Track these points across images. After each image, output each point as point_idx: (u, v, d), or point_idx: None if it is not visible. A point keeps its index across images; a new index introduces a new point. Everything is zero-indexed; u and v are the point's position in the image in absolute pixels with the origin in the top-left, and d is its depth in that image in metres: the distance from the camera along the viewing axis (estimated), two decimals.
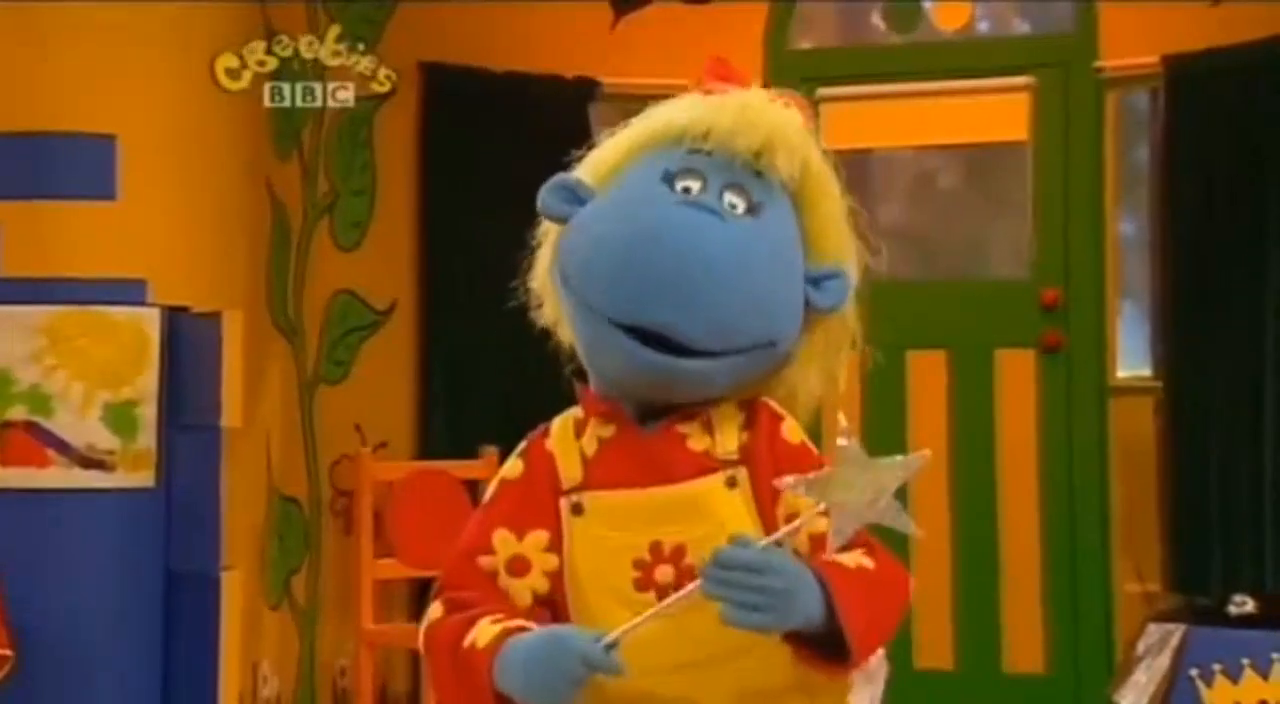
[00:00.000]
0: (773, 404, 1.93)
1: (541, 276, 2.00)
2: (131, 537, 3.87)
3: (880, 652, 1.96)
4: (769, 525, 1.82)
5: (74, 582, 3.80)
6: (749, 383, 1.91)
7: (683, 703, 1.80)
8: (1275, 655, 3.90)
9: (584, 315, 1.89)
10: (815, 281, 1.92)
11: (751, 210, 1.87)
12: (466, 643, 1.79)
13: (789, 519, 1.80)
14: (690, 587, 1.72)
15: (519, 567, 1.87)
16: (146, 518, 3.89)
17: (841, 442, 1.70)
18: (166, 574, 3.91)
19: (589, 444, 1.91)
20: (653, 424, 1.89)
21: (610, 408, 1.91)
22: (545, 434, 1.95)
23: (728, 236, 1.83)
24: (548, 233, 1.99)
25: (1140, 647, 4.17)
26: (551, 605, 1.87)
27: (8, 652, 3.64)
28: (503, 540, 1.88)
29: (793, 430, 1.91)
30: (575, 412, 1.95)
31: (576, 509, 1.88)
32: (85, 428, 3.84)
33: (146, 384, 3.89)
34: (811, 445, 1.92)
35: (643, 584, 1.82)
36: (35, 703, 3.72)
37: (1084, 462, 5.05)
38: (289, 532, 4.70)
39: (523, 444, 1.97)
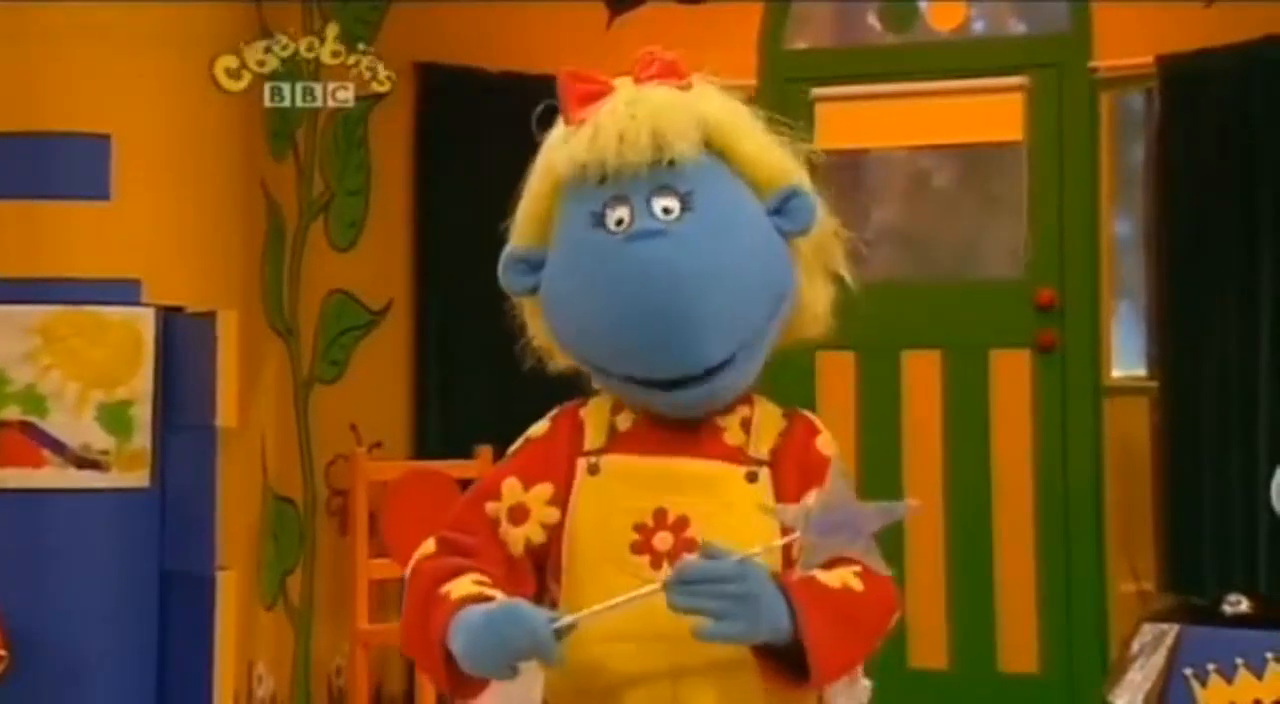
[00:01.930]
0: (813, 417, 1.96)
1: (540, 336, 2.02)
2: (126, 537, 3.87)
3: (861, 676, 1.95)
4: (784, 549, 1.82)
5: (69, 582, 3.80)
6: (777, 338, 1.94)
7: (645, 674, 1.81)
8: (1270, 655, 3.90)
9: (602, 376, 1.94)
10: (778, 210, 1.93)
11: (685, 203, 1.87)
12: (443, 590, 1.81)
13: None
14: (651, 588, 1.72)
15: (519, 514, 1.90)
16: (141, 518, 3.89)
17: (832, 477, 1.71)
18: (161, 574, 3.91)
19: (623, 420, 1.94)
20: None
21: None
22: (582, 404, 1.98)
23: (682, 255, 1.83)
24: (523, 305, 2.02)
25: (1135, 646, 4.17)
26: (544, 558, 1.89)
27: (3, 652, 3.64)
28: (510, 488, 1.91)
29: (827, 444, 1.93)
30: (614, 396, 1.97)
31: (593, 469, 1.90)
32: (80, 428, 3.83)
33: (141, 384, 3.89)
34: (843, 462, 1.91)
35: (639, 547, 1.84)
36: (30, 703, 3.71)
37: (1079, 462, 5.05)
38: (284, 532, 4.70)
39: (556, 409, 2.00)
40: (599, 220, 1.88)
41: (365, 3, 4.96)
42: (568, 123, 1.95)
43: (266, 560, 4.56)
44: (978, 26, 5.45)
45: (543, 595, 1.91)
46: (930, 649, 5.11)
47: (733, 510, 1.82)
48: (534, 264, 1.95)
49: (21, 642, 3.67)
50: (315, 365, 4.91)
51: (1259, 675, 3.91)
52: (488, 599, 1.77)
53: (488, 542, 1.88)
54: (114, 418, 3.85)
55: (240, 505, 4.18)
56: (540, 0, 5.16)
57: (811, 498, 1.76)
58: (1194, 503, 4.78)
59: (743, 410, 1.92)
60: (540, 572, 1.91)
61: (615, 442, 1.92)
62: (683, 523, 1.83)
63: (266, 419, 4.59)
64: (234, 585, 3.88)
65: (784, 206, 1.92)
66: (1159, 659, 4.06)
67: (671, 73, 1.94)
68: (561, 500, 1.89)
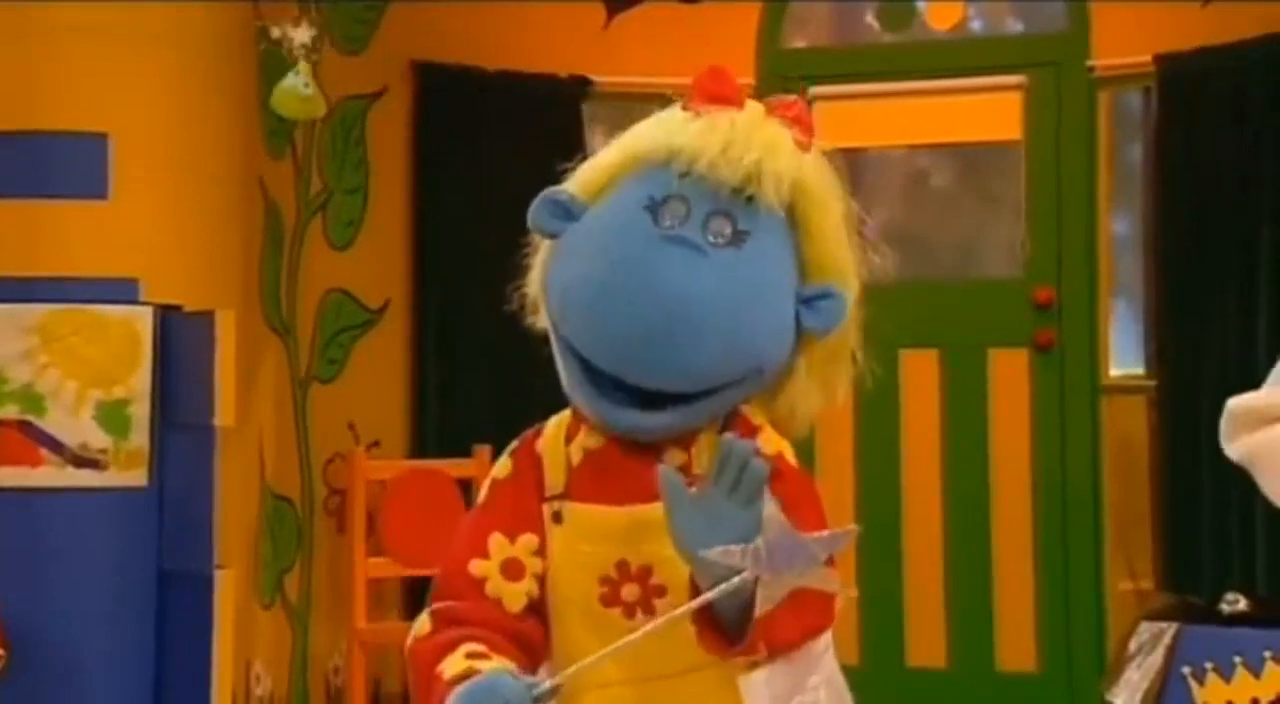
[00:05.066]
0: (748, 413, 1.93)
1: (535, 285, 2.00)
2: (124, 536, 3.86)
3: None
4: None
5: (67, 581, 3.80)
6: (734, 404, 1.91)
7: None
8: (1267, 653, 3.91)
9: (564, 355, 1.91)
10: (808, 301, 1.91)
11: (737, 238, 1.86)
12: (438, 669, 1.79)
13: None
14: (634, 636, 1.71)
15: (514, 570, 1.88)
16: (139, 517, 3.88)
17: (768, 513, 1.68)
18: (159, 573, 3.90)
19: (575, 453, 1.92)
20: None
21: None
22: (538, 435, 1.96)
23: (706, 276, 1.82)
24: (541, 243, 1.99)
25: (1133, 645, 4.17)
26: (542, 612, 1.88)
27: (1, 651, 3.64)
28: (497, 544, 1.89)
29: (769, 440, 1.90)
30: (569, 414, 1.96)
31: (557, 518, 1.90)
32: (78, 427, 3.83)
33: (139, 383, 3.88)
34: (789, 453, 1.91)
35: (609, 600, 1.84)
36: (28, 702, 3.71)
37: (1076, 460, 5.05)
38: (282, 530, 4.70)
39: (515, 443, 1.98)
40: (653, 207, 1.86)
41: (363, 2, 4.96)
42: (687, 109, 1.92)
43: (264, 559, 4.56)
44: (975, 26, 5.46)
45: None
46: (929, 648, 5.12)
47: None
48: (571, 212, 1.92)
49: (20, 640, 3.67)
50: (313, 364, 4.90)
51: (1256, 674, 3.91)
52: (477, 671, 1.76)
53: (479, 604, 1.86)
54: (112, 417, 3.85)
55: (238, 504, 4.18)
56: (538, 0, 5.16)
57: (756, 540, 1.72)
58: (1192, 502, 4.78)
59: (686, 437, 1.90)
60: (544, 622, 1.89)
61: (572, 483, 1.90)
62: (646, 571, 1.84)
63: (264, 418, 4.59)
64: (232, 584, 3.88)
65: (816, 301, 1.91)
66: (1157, 658, 4.06)
67: (801, 125, 1.93)
68: (544, 551, 1.89)
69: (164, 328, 3.92)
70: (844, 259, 1.95)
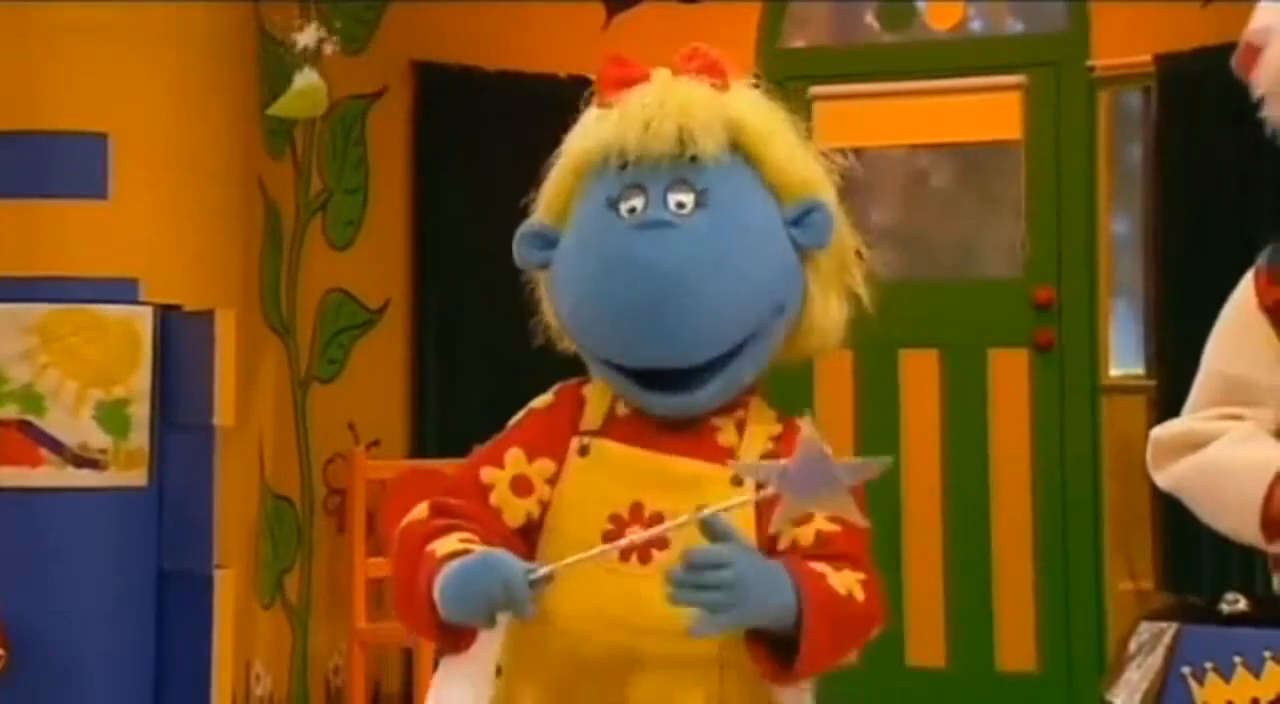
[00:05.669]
0: (808, 425, 1.90)
1: (550, 313, 2.03)
2: (124, 536, 3.87)
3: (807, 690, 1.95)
4: (763, 534, 1.82)
5: (67, 581, 3.80)
6: (774, 348, 1.93)
7: (621, 662, 1.82)
8: (1267, 653, 3.90)
9: (593, 362, 1.95)
10: (796, 221, 1.92)
11: (700, 200, 1.88)
12: (429, 548, 1.82)
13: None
14: (638, 537, 1.75)
15: (523, 486, 1.90)
16: (139, 517, 3.89)
17: (806, 433, 1.70)
18: (159, 573, 3.91)
19: (623, 406, 1.94)
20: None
21: None
22: (584, 382, 1.99)
23: (685, 247, 1.85)
24: (538, 280, 2.03)
25: (1132, 645, 4.16)
26: (535, 534, 1.90)
27: (1, 650, 3.64)
28: (514, 458, 1.92)
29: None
30: None
31: (583, 450, 1.91)
32: (78, 427, 3.83)
33: (139, 383, 3.88)
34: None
35: (610, 537, 1.84)
36: (28, 702, 3.71)
37: (1076, 460, 5.05)
38: (282, 530, 4.70)
39: (558, 384, 2.00)
40: (613, 205, 1.89)
41: (363, 2, 4.96)
42: (600, 105, 1.96)
43: (264, 559, 4.56)
44: (975, 25, 5.46)
45: None
46: (928, 648, 5.12)
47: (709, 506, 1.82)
48: (549, 240, 1.96)
49: (20, 640, 3.67)
50: (313, 364, 4.91)
51: (1257, 674, 3.90)
52: (472, 552, 1.78)
53: (480, 507, 1.89)
54: (112, 417, 3.85)
55: (238, 504, 4.18)
56: (538, 0, 5.16)
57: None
58: None
59: (739, 413, 1.92)
60: (532, 547, 1.90)
61: (611, 425, 1.92)
62: (656, 519, 1.83)
63: (264, 418, 4.59)
64: (232, 584, 3.88)
65: (803, 219, 1.92)
66: (1156, 658, 4.05)
67: (712, 70, 1.94)
68: (555, 481, 1.91)
69: (164, 328, 3.92)
70: (810, 170, 1.96)
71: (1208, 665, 4.04)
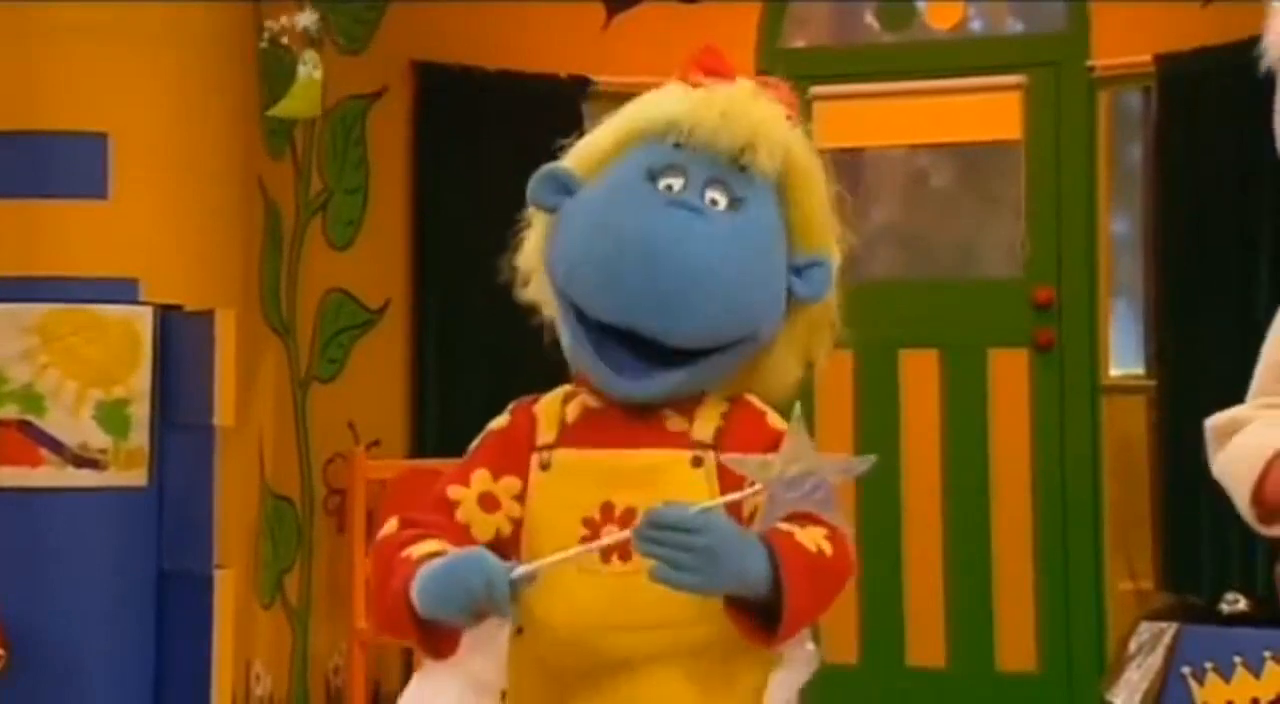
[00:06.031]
0: (755, 400, 1.96)
1: (529, 256, 2.03)
2: (124, 536, 3.87)
3: (810, 644, 1.97)
4: (733, 509, 1.82)
5: (66, 581, 3.80)
6: (732, 371, 1.94)
7: (615, 664, 1.83)
8: (1267, 653, 3.91)
9: (567, 318, 1.94)
10: (798, 270, 1.95)
11: (733, 205, 1.90)
12: (404, 553, 1.83)
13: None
14: (618, 534, 1.76)
15: (489, 503, 1.92)
16: (139, 517, 3.89)
17: (793, 429, 1.72)
18: (159, 573, 3.91)
19: (572, 411, 1.95)
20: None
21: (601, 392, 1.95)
22: (535, 400, 2.00)
23: (710, 237, 1.87)
24: (537, 215, 2.02)
25: (1132, 645, 4.17)
26: (507, 554, 1.88)
27: (1, 650, 3.64)
28: (479, 477, 1.93)
29: (778, 421, 1.93)
30: (568, 387, 2.00)
31: (544, 465, 1.92)
32: (78, 427, 3.83)
33: (139, 383, 3.88)
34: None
35: (588, 541, 1.84)
36: (28, 702, 3.71)
37: (1076, 460, 5.05)
38: (282, 530, 4.70)
39: (513, 403, 2.02)
40: (651, 175, 1.91)
41: (363, 2, 4.96)
42: (683, 81, 1.97)
43: (264, 559, 4.56)
44: (975, 25, 5.46)
45: None
46: (928, 647, 5.12)
47: (679, 499, 1.81)
48: (569, 188, 1.96)
49: (20, 640, 3.67)
50: (313, 364, 4.90)
51: (1257, 674, 3.91)
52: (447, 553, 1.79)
53: (449, 522, 1.90)
54: (112, 417, 3.85)
55: (238, 504, 4.18)
56: (538, 0, 5.16)
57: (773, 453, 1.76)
58: (1192, 502, 4.77)
59: (687, 406, 1.93)
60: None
61: (564, 434, 1.94)
62: (630, 515, 1.83)
63: (264, 418, 4.59)
64: (232, 584, 3.88)
65: (806, 271, 1.95)
66: (1157, 658, 4.06)
67: (790, 106, 2.00)
68: (523, 497, 1.92)
69: (164, 328, 3.92)
70: (829, 231, 1.99)
71: (1208, 665, 4.05)
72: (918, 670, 5.07)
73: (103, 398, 3.85)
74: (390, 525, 1.91)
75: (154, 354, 3.90)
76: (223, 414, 3.83)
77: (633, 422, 1.91)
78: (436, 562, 1.77)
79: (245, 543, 4.36)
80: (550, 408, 1.97)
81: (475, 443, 2.00)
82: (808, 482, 1.69)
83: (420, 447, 5.05)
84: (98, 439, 3.84)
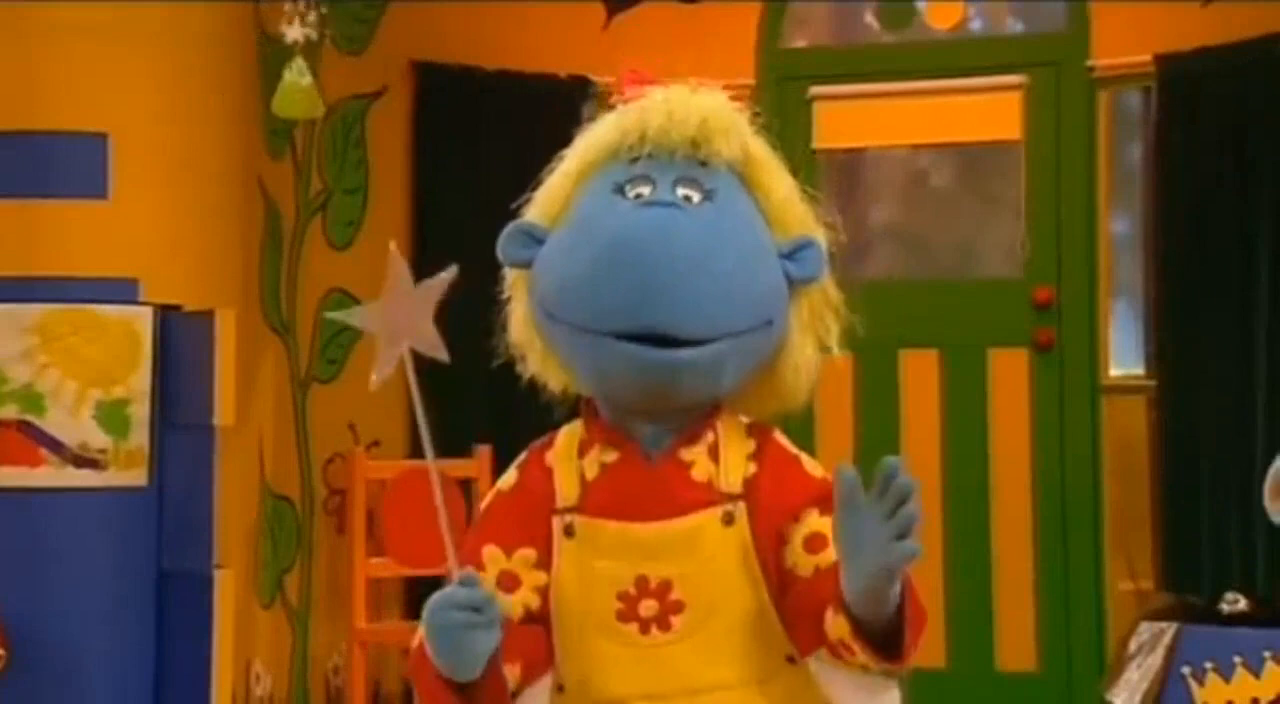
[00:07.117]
0: (780, 437, 1.92)
1: (519, 327, 2.00)
2: (124, 535, 3.87)
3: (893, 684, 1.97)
4: (764, 561, 1.82)
5: (66, 580, 3.80)
6: (753, 368, 1.89)
7: None
8: (1267, 653, 3.91)
9: (575, 338, 1.87)
10: (789, 255, 1.90)
11: (708, 197, 1.86)
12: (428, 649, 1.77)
13: (807, 539, 1.83)
14: None
15: (509, 582, 1.86)
16: (139, 517, 3.89)
17: (391, 256, 1.76)
18: (159, 573, 3.91)
19: (590, 467, 1.88)
20: (658, 450, 1.87)
21: (617, 434, 1.89)
22: (548, 446, 1.94)
23: (693, 225, 1.82)
24: (515, 284, 1.99)
25: (1132, 645, 4.18)
26: (545, 622, 1.86)
27: (1, 650, 3.64)
28: (492, 557, 1.88)
29: (815, 466, 1.91)
30: (581, 428, 1.93)
31: (568, 531, 1.86)
32: (77, 427, 3.83)
33: (139, 383, 3.88)
34: (829, 478, 1.87)
35: (625, 616, 1.82)
36: (28, 702, 3.71)
37: (1076, 460, 5.05)
38: (281, 530, 4.70)
39: (523, 455, 1.96)
40: (619, 189, 1.86)
41: (362, 1, 4.96)
42: (618, 101, 1.94)
43: (264, 559, 4.56)
44: (975, 25, 5.46)
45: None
46: (928, 648, 5.08)
47: (714, 564, 1.81)
48: (537, 239, 1.92)
49: (19, 640, 3.67)
50: (313, 364, 4.90)
51: (1256, 674, 3.91)
52: None
53: None
54: (112, 417, 3.85)
55: (238, 504, 4.18)
56: (538, 0, 5.16)
57: None
58: (1192, 501, 4.78)
59: (707, 436, 1.88)
60: (545, 631, 1.87)
61: (587, 497, 1.87)
62: (665, 587, 1.81)
63: (264, 418, 4.59)
64: (231, 584, 3.88)
65: (797, 253, 1.90)
66: (1156, 658, 4.07)
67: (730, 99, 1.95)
68: (546, 563, 1.86)
69: (164, 328, 3.92)
70: (805, 213, 1.95)
71: (1208, 665, 4.06)
72: (918, 671, 5.06)
73: (103, 398, 3.85)
74: (418, 635, 1.81)
75: (154, 354, 3.90)
76: (223, 414, 3.83)
77: (655, 477, 1.85)
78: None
79: (245, 543, 4.36)
80: (566, 461, 1.90)
81: (484, 505, 1.95)
82: (413, 311, 1.69)
83: (420, 447, 5.04)
84: (98, 439, 3.84)
